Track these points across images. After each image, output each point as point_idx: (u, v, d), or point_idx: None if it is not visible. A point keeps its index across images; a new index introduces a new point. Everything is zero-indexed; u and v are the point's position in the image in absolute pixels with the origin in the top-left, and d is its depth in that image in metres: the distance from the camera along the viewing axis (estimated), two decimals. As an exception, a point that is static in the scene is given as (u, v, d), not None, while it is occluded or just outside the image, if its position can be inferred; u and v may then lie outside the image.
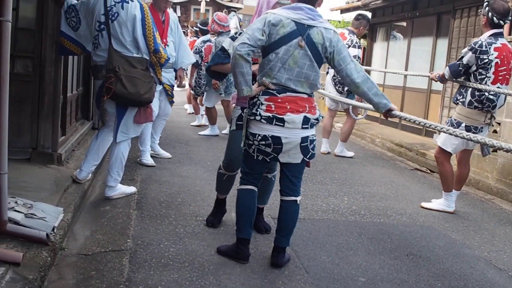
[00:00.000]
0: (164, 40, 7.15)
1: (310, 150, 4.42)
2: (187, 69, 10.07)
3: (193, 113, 12.96)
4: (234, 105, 5.03)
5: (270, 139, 4.27)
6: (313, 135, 4.42)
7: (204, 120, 11.90)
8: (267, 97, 4.28)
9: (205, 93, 10.71)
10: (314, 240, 5.13)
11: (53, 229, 4.45)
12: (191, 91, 11.92)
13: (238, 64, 4.15)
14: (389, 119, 4.45)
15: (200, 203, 5.93)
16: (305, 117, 4.29)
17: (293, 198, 4.51)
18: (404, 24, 13.94)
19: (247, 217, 4.50)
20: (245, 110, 4.43)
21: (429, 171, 9.35)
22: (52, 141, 6.40)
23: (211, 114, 10.68)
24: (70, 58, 7.13)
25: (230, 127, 5.08)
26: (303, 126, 4.29)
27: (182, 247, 4.63)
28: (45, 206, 4.79)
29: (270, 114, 4.24)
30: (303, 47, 4.21)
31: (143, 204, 5.71)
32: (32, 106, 6.31)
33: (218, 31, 9.82)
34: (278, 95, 4.27)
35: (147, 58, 5.57)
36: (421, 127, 12.08)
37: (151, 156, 7.82)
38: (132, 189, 6.05)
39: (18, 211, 4.42)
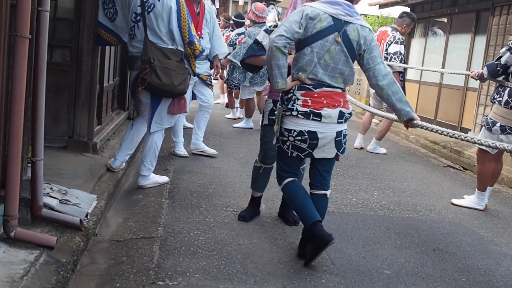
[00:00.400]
0: (199, 32, 7.11)
1: (343, 144, 4.44)
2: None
3: (226, 103, 13.05)
4: (266, 97, 5.05)
5: (306, 134, 4.27)
6: (345, 129, 4.43)
7: (238, 113, 11.91)
8: (303, 92, 4.27)
9: (241, 85, 10.74)
10: (342, 233, 5.17)
11: (86, 215, 4.57)
12: (224, 84, 11.92)
13: (274, 56, 4.15)
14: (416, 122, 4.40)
15: (231, 194, 6.00)
16: (340, 111, 4.31)
17: (323, 191, 4.54)
18: (445, 20, 13.80)
19: (306, 202, 4.41)
20: (278, 107, 4.42)
21: (462, 169, 9.30)
22: (88, 130, 6.53)
23: (248, 107, 10.67)
24: (107, 48, 7.25)
25: (262, 120, 5.12)
26: (339, 120, 4.30)
27: (211, 236, 4.71)
28: (79, 193, 4.92)
29: (307, 109, 4.23)
30: (339, 42, 4.19)
31: (175, 193, 5.80)
32: (69, 95, 6.45)
33: (252, 20, 9.84)
34: (314, 90, 4.26)
35: (182, 49, 5.65)
36: (456, 124, 11.99)
37: (196, 154, 7.81)
38: (164, 178, 6.15)
39: (53, 197, 4.55)
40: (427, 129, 4.48)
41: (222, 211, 5.40)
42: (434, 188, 7.51)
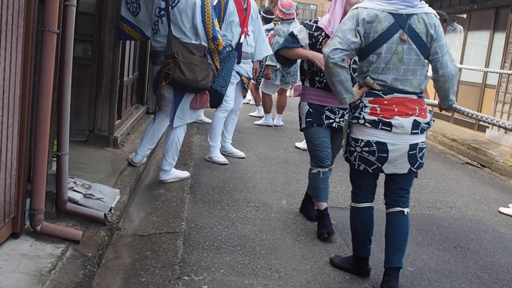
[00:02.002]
0: (245, 29, 6.98)
1: (418, 159, 3.91)
2: (263, 61, 9.52)
3: (248, 102, 12.90)
4: (296, 97, 4.97)
5: (374, 145, 3.81)
6: (423, 142, 3.92)
7: (263, 112, 11.76)
8: (371, 98, 3.83)
9: (262, 79, 10.54)
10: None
11: (110, 210, 4.58)
12: (253, 81, 11.68)
13: (334, 73, 3.77)
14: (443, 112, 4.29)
15: (252, 189, 6.00)
16: (415, 121, 3.81)
17: (400, 208, 3.98)
18: (464, 16, 13.71)
19: (366, 236, 4.07)
20: (345, 115, 4.08)
21: (480, 166, 9.25)
22: (108, 124, 6.56)
23: (265, 102, 10.55)
24: (127, 43, 7.27)
25: (300, 124, 4.98)
26: (413, 131, 3.81)
27: (234, 231, 4.72)
28: (102, 187, 4.94)
29: (376, 118, 3.78)
30: (406, 41, 3.75)
31: (196, 188, 5.81)
32: (90, 89, 6.48)
33: (280, 18, 9.78)
34: (384, 96, 3.81)
35: (206, 45, 5.65)
36: (474, 121, 11.92)
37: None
38: (185, 173, 6.15)
39: (77, 191, 4.57)
40: (463, 113, 4.38)
41: (243, 206, 5.39)
42: (453, 185, 7.47)
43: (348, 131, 3.96)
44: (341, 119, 4.82)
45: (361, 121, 3.82)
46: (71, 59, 4.14)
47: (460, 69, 12.53)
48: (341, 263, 4.20)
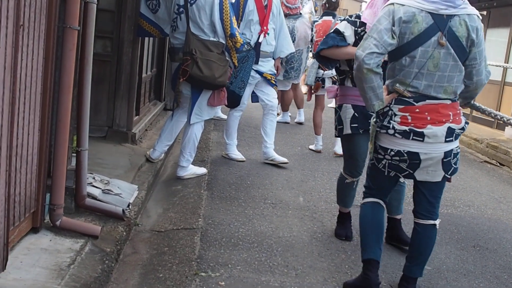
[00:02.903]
0: (265, 28, 6.76)
1: (453, 165, 3.67)
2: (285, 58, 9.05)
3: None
4: (337, 99, 4.73)
5: (405, 155, 3.57)
6: (457, 147, 3.67)
7: (280, 109, 11.70)
8: (401, 106, 3.56)
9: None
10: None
11: (128, 205, 4.61)
12: None
13: (367, 79, 3.47)
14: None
15: (269, 186, 6.02)
16: (449, 128, 3.55)
17: (431, 222, 3.79)
18: (484, 13, 13.62)
19: (373, 235, 3.79)
20: (371, 123, 3.77)
21: (498, 164, 9.20)
22: (127, 120, 6.59)
23: (283, 100, 10.45)
24: (146, 39, 7.29)
25: (340, 129, 4.63)
26: (447, 139, 3.55)
27: (251, 228, 4.74)
28: (120, 183, 4.97)
29: (407, 128, 3.52)
30: (444, 45, 3.44)
31: (213, 185, 5.83)
32: (109, 85, 6.52)
33: (286, 14, 9.72)
34: (415, 104, 3.53)
35: (223, 42, 5.66)
36: (493, 119, 11.85)
37: (265, 163, 7.03)
38: (203, 170, 6.18)
39: (96, 187, 4.61)
40: (483, 112, 4.26)
41: (260, 203, 5.41)
42: (472, 183, 7.44)
43: (374, 138, 3.72)
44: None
45: (391, 132, 3.57)
46: (91, 55, 4.17)
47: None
48: (353, 282, 3.88)
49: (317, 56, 4.59)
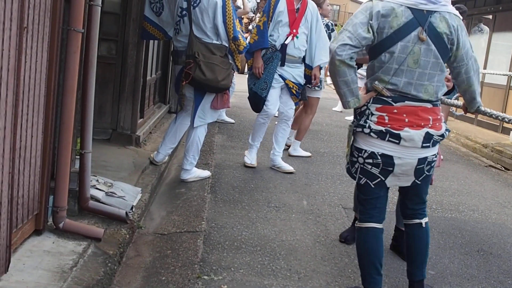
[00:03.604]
0: (294, 31, 6.57)
1: (425, 172, 3.58)
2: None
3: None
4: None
5: (379, 157, 3.46)
6: (433, 155, 3.56)
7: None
8: (379, 106, 3.45)
9: None
10: (385, 231, 5.12)
11: (131, 208, 4.62)
12: None
13: (339, 72, 3.37)
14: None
15: (273, 189, 6.01)
16: (427, 133, 3.44)
17: (417, 221, 3.75)
18: (490, 17, 13.60)
19: (371, 263, 3.61)
20: (349, 124, 3.65)
21: (503, 169, 9.18)
22: (131, 123, 6.60)
23: None
24: (150, 42, 7.30)
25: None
26: (424, 144, 3.44)
27: (254, 231, 4.73)
28: (124, 185, 4.97)
29: (383, 128, 3.41)
30: (424, 40, 3.35)
31: (217, 188, 5.83)
32: (114, 88, 6.54)
33: None
34: (394, 104, 3.42)
35: (226, 45, 5.67)
36: (498, 124, 11.83)
37: (271, 169, 6.93)
38: (206, 173, 6.17)
39: (99, 189, 4.62)
40: (490, 115, 4.19)
41: (264, 206, 5.40)
42: (476, 188, 7.42)
43: (351, 139, 3.60)
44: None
45: (366, 131, 3.45)
46: (95, 58, 4.18)
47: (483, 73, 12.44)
48: None
49: None
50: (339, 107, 13.86)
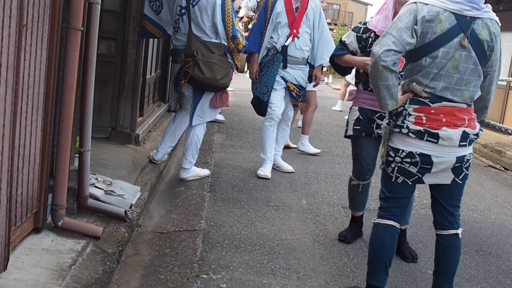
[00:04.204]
0: (294, 31, 6.40)
1: (464, 170, 3.54)
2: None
3: None
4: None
5: (417, 157, 3.46)
6: (470, 153, 3.54)
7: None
8: (417, 107, 3.45)
9: None
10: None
11: (130, 207, 4.61)
12: None
13: (382, 77, 3.35)
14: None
15: (272, 189, 6.01)
16: (464, 132, 3.44)
17: (453, 231, 3.66)
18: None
19: (381, 261, 3.62)
20: (383, 124, 3.67)
21: (503, 169, 9.18)
22: (130, 121, 6.60)
23: None
24: (150, 41, 7.30)
25: (346, 130, 4.67)
26: (461, 143, 3.43)
27: (253, 230, 4.72)
28: (123, 184, 4.97)
29: (421, 128, 3.41)
30: (466, 47, 3.34)
31: (216, 187, 5.82)
32: (113, 86, 6.53)
33: None
34: (431, 104, 3.43)
35: (225, 44, 5.66)
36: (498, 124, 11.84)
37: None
38: (206, 171, 6.17)
39: (98, 188, 4.62)
40: (499, 129, 4.18)
41: (263, 205, 5.40)
42: (476, 188, 7.42)
43: (387, 139, 3.60)
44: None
45: (405, 131, 3.45)
46: (94, 56, 4.18)
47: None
48: None
49: (332, 63, 4.74)
50: (338, 106, 13.88)
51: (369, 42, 4.43)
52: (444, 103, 3.42)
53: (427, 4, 3.34)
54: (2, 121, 2.87)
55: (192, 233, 4.52)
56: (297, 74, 6.53)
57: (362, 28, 4.50)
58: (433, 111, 3.42)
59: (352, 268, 4.24)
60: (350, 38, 4.50)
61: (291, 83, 6.51)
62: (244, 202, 5.44)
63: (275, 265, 4.11)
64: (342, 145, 8.86)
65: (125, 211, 4.42)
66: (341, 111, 13.59)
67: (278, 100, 6.50)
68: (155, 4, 5.85)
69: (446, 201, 3.64)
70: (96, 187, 4.60)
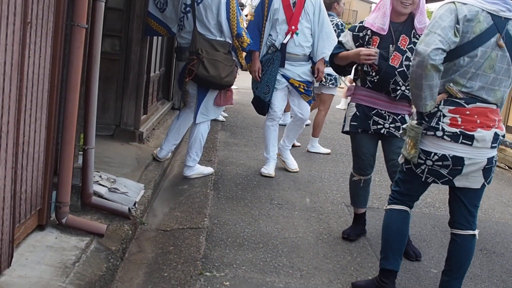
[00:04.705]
0: (293, 28, 6.20)
1: (492, 172, 3.55)
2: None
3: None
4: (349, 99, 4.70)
5: (450, 159, 3.42)
6: (496, 155, 3.55)
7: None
8: (452, 108, 3.42)
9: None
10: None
11: (134, 204, 4.62)
12: None
13: (428, 76, 3.30)
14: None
15: (275, 187, 6.01)
16: (495, 133, 3.45)
17: (471, 232, 3.68)
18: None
19: (396, 244, 3.69)
20: (413, 125, 3.55)
21: (507, 168, 9.16)
22: (134, 119, 6.61)
23: None
24: (154, 38, 7.30)
25: (343, 126, 4.70)
26: (493, 144, 3.44)
27: (256, 228, 4.73)
28: (127, 181, 4.98)
29: (457, 130, 3.38)
30: (502, 47, 3.36)
31: (220, 185, 5.83)
32: (117, 84, 6.54)
33: None
34: (466, 106, 3.40)
35: (230, 42, 5.66)
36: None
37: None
38: (209, 169, 6.17)
39: (102, 185, 4.62)
40: None
41: (267, 203, 5.40)
42: (480, 187, 7.39)
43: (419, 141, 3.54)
44: (391, 125, 4.44)
45: (439, 133, 3.42)
46: (99, 54, 4.18)
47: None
48: (364, 285, 3.85)
49: (331, 65, 4.75)
50: (342, 104, 13.86)
51: (366, 40, 4.47)
52: (478, 104, 3.41)
53: (465, 3, 3.34)
54: (7, 118, 2.87)
55: (196, 231, 4.52)
56: (299, 70, 6.34)
57: (358, 26, 4.55)
58: (468, 112, 3.40)
59: (356, 266, 4.24)
60: (346, 37, 4.54)
61: (294, 79, 6.32)
62: (248, 200, 5.44)
63: (278, 263, 4.11)
64: (346, 144, 8.84)
65: (128, 208, 4.43)
66: (345, 109, 13.57)
67: (279, 100, 6.39)
68: (159, 2, 5.85)
69: (469, 201, 3.63)
70: (100, 184, 4.61)
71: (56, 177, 3.87)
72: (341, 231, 4.84)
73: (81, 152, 4.27)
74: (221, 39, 5.62)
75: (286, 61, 6.26)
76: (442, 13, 3.36)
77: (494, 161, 3.51)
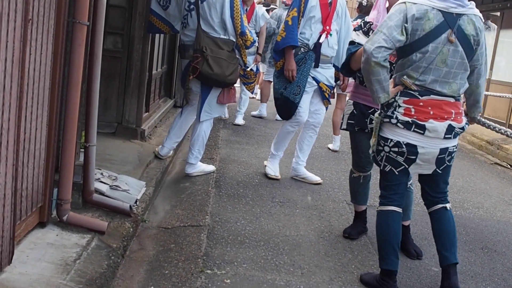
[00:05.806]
0: (328, 28, 5.94)
1: (446, 162, 3.82)
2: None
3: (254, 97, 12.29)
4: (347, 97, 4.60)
5: (404, 146, 3.67)
6: (454, 146, 3.81)
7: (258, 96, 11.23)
8: (406, 99, 3.66)
9: (266, 67, 9.94)
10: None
11: (135, 202, 4.62)
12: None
13: (374, 72, 3.55)
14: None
15: (277, 185, 6.00)
16: (449, 125, 3.68)
17: (440, 205, 3.97)
18: (498, 14, 13.50)
19: (390, 244, 3.79)
20: (375, 115, 3.84)
21: (509, 166, 9.15)
22: (136, 116, 6.61)
23: (264, 90, 10.29)
24: (157, 36, 7.30)
25: (341, 123, 4.72)
26: (446, 136, 3.68)
27: (258, 226, 4.72)
28: (128, 179, 4.97)
29: (409, 119, 3.63)
30: (453, 42, 3.56)
31: (221, 182, 5.82)
32: (119, 81, 6.54)
33: (284, 3, 9.55)
34: (420, 97, 3.64)
35: (234, 40, 5.66)
36: (504, 121, 11.79)
37: (295, 179, 6.34)
38: (211, 167, 6.17)
39: (104, 183, 4.62)
40: (488, 127, 4.32)
41: (268, 201, 5.40)
42: (482, 185, 7.40)
43: (378, 129, 3.79)
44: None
45: (394, 121, 3.66)
46: (100, 51, 4.17)
47: (490, 68, 12.38)
48: (369, 280, 3.90)
49: (342, 70, 4.72)
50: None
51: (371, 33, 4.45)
52: (432, 96, 3.65)
53: (415, 3, 3.56)
54: (8, 115, 2.87)
55: (197, 228, 4.52)
56: (327, 73, 6.08)
57: (362, 23, 4.61)
58: (421, 104, 3.65)
59: (357, 264, 4.24)
60: (359, 36, 4.53)
61: (324, 83, 6.06)
62: (249, 198, 5.44)
63: (279, 261, 4.11)
64: (347, 141, 8.80)
65: (130, 206, 4.43)
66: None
67: (307, 104, 6.08)
68: (162, -1, 5.85)
69: (430, 189, 4.01)
70: (101, 182, 4.61)
71: (57, 175, 3.86)
72: (343, 229, 4.84)
73: (83, 150, 4.26)
74: (225, 37, 5.62)
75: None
76: (392, 13, 3.62)
77: (448, 151, 3.77)
